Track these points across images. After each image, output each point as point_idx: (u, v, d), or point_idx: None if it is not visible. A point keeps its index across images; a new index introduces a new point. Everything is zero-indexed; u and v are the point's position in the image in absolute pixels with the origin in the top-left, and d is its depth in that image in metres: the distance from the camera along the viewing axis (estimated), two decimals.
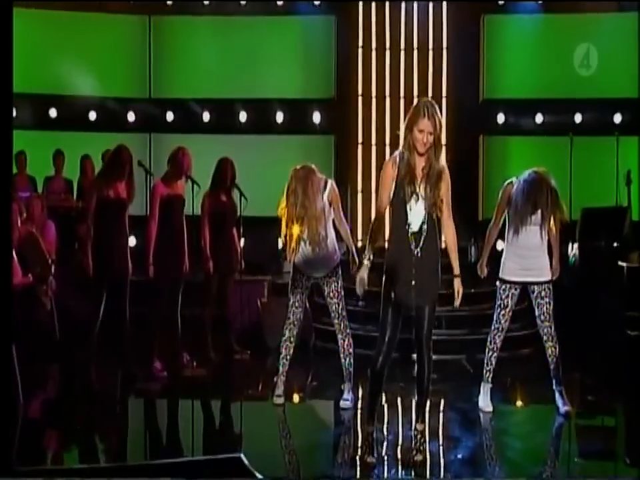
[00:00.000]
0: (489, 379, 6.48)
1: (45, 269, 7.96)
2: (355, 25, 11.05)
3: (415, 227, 5.22)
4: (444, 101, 10.78)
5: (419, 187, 5.21)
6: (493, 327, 6.45)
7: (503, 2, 11.17)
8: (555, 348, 6.36)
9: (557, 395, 6.39)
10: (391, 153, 5.45)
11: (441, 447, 5.77)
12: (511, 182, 6.33)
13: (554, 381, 6.40)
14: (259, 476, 4.76)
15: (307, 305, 7.20)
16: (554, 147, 10.54)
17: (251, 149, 10.70)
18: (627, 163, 10.13)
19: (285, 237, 6.25)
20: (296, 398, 7.10)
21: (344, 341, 6.54)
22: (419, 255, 5.21)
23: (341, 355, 6.57)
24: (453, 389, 7.14)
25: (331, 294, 6.46)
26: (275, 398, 6.60)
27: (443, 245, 5.50)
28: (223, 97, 11.23)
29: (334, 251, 6.41)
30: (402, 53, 11.01)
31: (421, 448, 5.46)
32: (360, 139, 11.11)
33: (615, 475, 5.60)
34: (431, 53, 11.00)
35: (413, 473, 5.32)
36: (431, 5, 10.95)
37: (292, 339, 6.56)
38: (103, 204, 7.16)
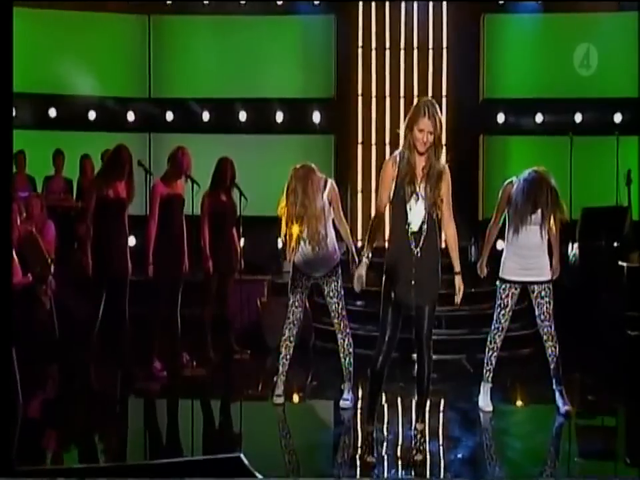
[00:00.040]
0: (489, 379, 6.47)
1: (44, 269, 7.96)
2: (355, 25, 11.04)
3: (414, 226, 5.21)
4: (444, 100, 10.77)
5: (419, 187, 5.20)
6: (493, 327, 6.45)
7: (503, 2, 11.15)
8: (555, 347, 6.36)
9: (557, 394, 6.39)
10: (391, 153, 5.44)
11: (441, 447, 5.77)
12: (511, 181, 6.32)
13: (554, 381, 6.39)
14: (259, 476, 4.75)
15: (307, 304, 7.20)
16: (554, 146, 10.53)
17: (250, 148, 10.69)
18: (627, 163, 10.12)
19: (285, 236, 6.25)
20: (296, 398, 7.10)
21: (344, 340, 6.54)
22: (419, 254, 5.20)
23: (341, 355, 6.56)
24: (453, 388, 7.14)
25: (331, 293, 6.46)
26: (275, 398, 6.60)
27: (443, 245, 5.50)
28: (222, 96, 11.22)
29: (334, 251, 6.41)
30: (402, 52, 11.00)
31: (421, 448, 5.46)
32: (360, 139, 11.10)
33: (615, 475, 5.59)
34: (431, 52, 10.99)
35: (412, 473, 5.31)
36: (430, 4, 10.94)
37: (292, 339, 6.56)
38: (103, 204, 7.16)
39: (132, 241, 7.97)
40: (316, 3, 11.23)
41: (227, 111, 11.23)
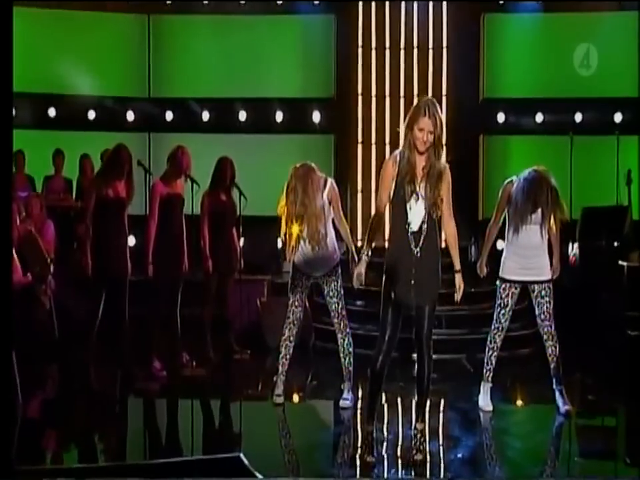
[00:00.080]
0: (489, 379, 6.47)
1: (43, 268, 7.94)
2: (355, 24, 11.02)
3: (414, 226, 5.21)
4: (444, 100, 10.75)
5: (419, 186, 5.20)
6: (493, 326, 6.44)
7: (503, 1, 11.14)
8: (555, 347, 6.35)
9: (557, 394, 6.38)
10: (391, 153, 5.44)
11: (441, 447, 5.76)
12: (511, 181, 6.32)
13: (554, 380, 6.39)
14: (259, 476, 4.75)
15: (307, 304, 7.19)
16: (554, 146, 10.52)
17: (250, 148, 10.68)
18: (627, 162, 10.11)
19: (285, 235, 6.24)
20: (296, 397, 7.09)
21: (344, 340, 6.53)
22: (419, 254, 5.20)
23: (341, 355, 6.56)
24: (453, 388, 7.14)
25: (331, 293, 6.45)
26: (275, 397, 6.59)
27: (443, 245, 5.49)
28: (222, 96, 11.21)
29: (333, 250, 6.40)
30: (402, 52, 10.98)
31: (421, 447, 5.46)
32: (360, 139, 11.09)
33: (615, 475, 5.59)
34: (431, 52, 10.97)
35: (412, 473, 5.31)
36: (431, 4, 10.92)
37: (291, 339, 6.55)
38: (102, 203, 7.15)
39: (131, 240, 7.97)
40: (316, 2, 11.22)
41: (226, 111, 11.22)
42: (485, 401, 6.46)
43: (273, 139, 11.11)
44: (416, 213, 5.20)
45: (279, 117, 11.22)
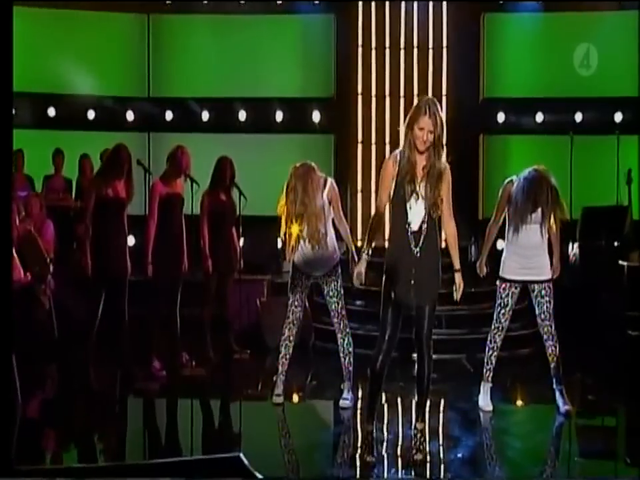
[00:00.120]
0: (489, 378, 6.46)
1: (43, 268, 7.93)
2: (355, 24, 11.00)
3: (414, 226, 5.20)
4: (444, 100, 10.73)
5: (419, 186, 5.19)
6: (493, 326, 6.43)
7: (503, 1, 11.14)
8: (555, 347, 6.35)
9: (557, 394, 6.38)
10: (391, 152, 5.43)
11: (441, 447, 5.76)
12: (511, 180, 6.31)
13: (554, 380, 6.38)
14: (259, 475, 4.74)
15: (307, 304, 7.18)
16: (554, 146, 10.51)
17: (250, 148, 10.67)
18: (627, 162, 10.11)
19: (285, 235, 6.24)
20: (295, 397, 7.09)
21: (343, 340, 6.52)
22: (419, 254, 5.19)
23: (341, 355, 6.55)
24: (453, 388, 7.13)
25: (331, 293, 6.44)
26: (275, 397, 6.59)
27: (443, 245, 5.48)
28: (222, 96, 11.20)
29: (333, 250, 6.39)
30: (402, 51, 10.96)
31: (421, 447, 5.45)
32: (360, 138, 11.07)
33: (615, 475, 5.58)
34: (431, 51, 10.96)
35: (412, 473, 5.30)
36: (430, 3, 10.91)
37: (291, 338, 6.54)
38: (102, 203, 7.15)
39: (131, 240, 7.96)
40: (316, 2, 11.22)
41: (226, 111, 11.21)
42: (484, 400, 6.45)
43: (273, 139, 11.11)
44: (416, 213, 5.20)
45: (279, 116, 11.21)
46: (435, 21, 10.94)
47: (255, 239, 9.52)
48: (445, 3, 10.95)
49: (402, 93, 10.93)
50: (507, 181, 6.35)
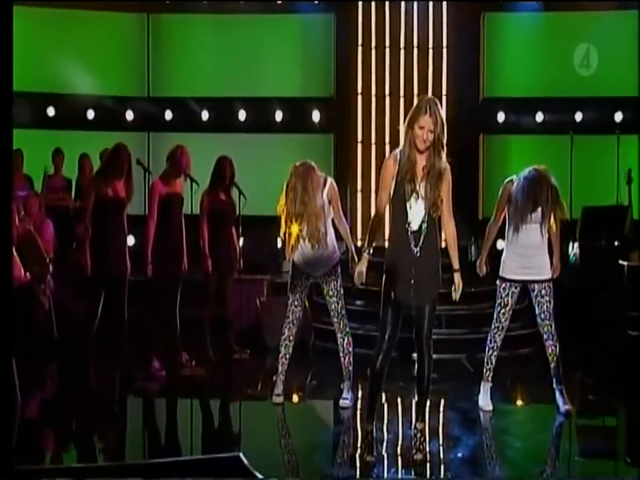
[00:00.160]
0: (489, 378, 6.45)
1: (42, 268, 7.92)
2: (355, 24, 11.01)
3: (414, 225, 5.19)
4: (444, 99, 10.73)
5: (419, 186, 5.18)
6: (493, 326, 6.43)
7: (503, 1, 11.13)
8: (555, 347, 6.34)
9: (557, 394, 6.37)
10: (391, 152, 5.41)
11: (441, 446, 5.75)
12: (511, 180, 6.31)
13: (554, 380, 6.38)
14: (258, 475, 4.73)
15: (307, 304, 7.18)
16: (554, 145, 10.51)
17: (250, 147, 10.67)
18: (627, 162, 10.11)
19: (284, 234, 6.23)
20: (295, 397, 7.08)
21: (343, 340, 6.52)
22: (419, 254, 5.18)
23: (341, 354, 6.54)
24: (453, 388, 7.12)
25: (330, 292, 6.44)
26: (274, 397, 6.58)
27: (443, 244, 5.48)
28: (221, 95, 11.20)
29: (333, 250, 6.39)
30: (402, 51, 10.97)
31: (421, 447, 5.44)
32: (359, 138, 11.07)
33: (615, 474, 5.58)
34: (431, 51, 10.96)
35: (412, 472, 5.30)
36: (430, 3, 10.91)
37: (291, 338, 6.54)
38: (102, 203, 7.14)
39: (131, 240, 7.95)
40: (315, 2, 11.21)
41: (226, 110, 11.21)
42: (484, 400, 6.45)
43: (273, 139, 11.10)
44: (416, 212, 5.19)
45: (279, 116, 11.20)
46: (435, 20, 10.94)
47: (255, 238, 9.52)
48: (444, 3, 10.95)
49: (402, 93, 10.94)
50: (507, 180, 6.35)
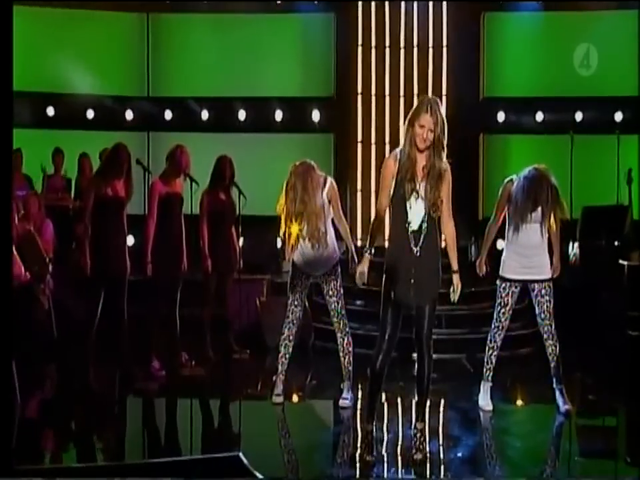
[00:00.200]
0: (489, 378, 6.45)
1: (42, 268, 7.91)
2: (355, 23, 11.01)
3: (414, 225, 5.19)
4: (444, 99, 10.72)
5: (419, 185, 5.17)
6: (493, 326, 6.43)
7: (503, 1, 11.13)
8: (555, 346, 6.34)
9: (557, 393, 6.37)
10: (391, 152, 5.41)
11: (441, 446, 5.75)
12: (511, 179, 6.31)
13: (554, 380, 6.37)
14: (258, 475, 4.73)
15: (306, 304, 7.17)
16: (554, 145, 10.51)
17: (250, 147, 10.67)
18: (627, 162, 10.10)
19: (284, 234, 6.22)
20: (295, 397, 7.07)
21: (343, 339, 6.51)
22: (419, 253, 5.18)
23: (340, 354, 6.54)
24: (453, 388, 7.12)
25: (330, 292, 6.43)
26: (274, 397, 6.58)
27: (443, 244, 5.47)
28: (221, 95, 11.20)
29: (333, 249, 6.38)
30: (402, 51, 10.97)
31: (421, 447, 5.43)
32: (359, 138, 11.07)
33: (615, 474, 5.58)
34: (431, 51, 10.96)
35: (412, 472, 5.30)
36: (430, 3, 10.91)
37: (291, 338, 6.53)
38: (101, 202, 7.13)
39: (130, 240, 7.94)
40: (315, 1, 11.20)
41: (226, 110, 11.21)
42: (485, 400, 6.44)
43: (273, 138, 11.10)
44: (416, 212, 5.18)
45: (279, 115, 11.20)
46: (435, 20, 10.94)
47: (255, 238, 9.51)
48: (444, 3, 10.95)
49: (402, 93, 10.94)
50: (507, 180, 6.35)
